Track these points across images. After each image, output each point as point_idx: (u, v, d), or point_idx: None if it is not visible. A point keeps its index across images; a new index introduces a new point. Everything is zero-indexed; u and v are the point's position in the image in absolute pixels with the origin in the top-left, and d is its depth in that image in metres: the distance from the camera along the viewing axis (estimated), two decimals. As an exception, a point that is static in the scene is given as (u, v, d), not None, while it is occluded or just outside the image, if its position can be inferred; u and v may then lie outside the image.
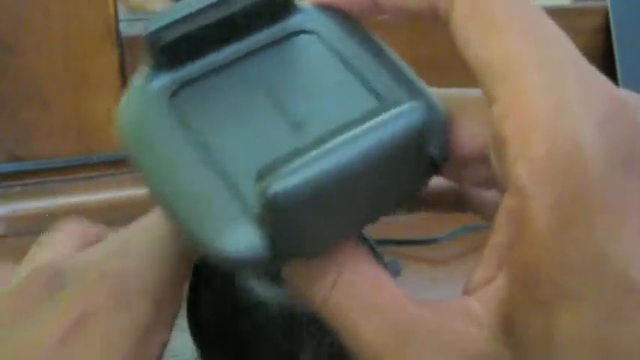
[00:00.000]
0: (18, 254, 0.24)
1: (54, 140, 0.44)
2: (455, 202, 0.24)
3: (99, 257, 0.22)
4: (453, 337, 0.17)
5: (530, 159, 0.16)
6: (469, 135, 0.19)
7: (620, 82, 0.51)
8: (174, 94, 0.21)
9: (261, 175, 0.17)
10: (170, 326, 0.22)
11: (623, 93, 0.17)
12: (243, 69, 0.21)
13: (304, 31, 0.21)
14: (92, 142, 0.45)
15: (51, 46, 0.42)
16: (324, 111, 0.20)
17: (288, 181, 0.16)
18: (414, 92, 0.19)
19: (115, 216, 0.43)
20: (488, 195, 0.23)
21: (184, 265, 0.23)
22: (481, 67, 0.17)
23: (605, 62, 0.53)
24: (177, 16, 0.20)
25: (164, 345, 0.21)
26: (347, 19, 0.21)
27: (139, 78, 0.21)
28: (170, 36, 0.20)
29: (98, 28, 0.42)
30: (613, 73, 0.52)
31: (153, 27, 0.20)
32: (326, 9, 0.21)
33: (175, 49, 0.21)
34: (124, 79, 0.44)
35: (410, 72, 0.20)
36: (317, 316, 0.21)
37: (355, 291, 0.18)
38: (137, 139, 0.20)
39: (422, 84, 0.20)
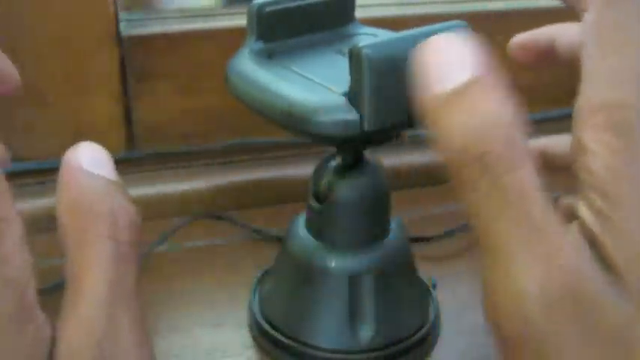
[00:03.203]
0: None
1: (53, 140, 0.44)
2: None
3: None
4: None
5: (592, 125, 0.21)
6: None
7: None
8: (270, 55, 0.30)
9: (353, 48, 0.24)
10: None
11: None
12: (319, 44, 0.31)
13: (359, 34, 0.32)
14: (92, 142, 0.44)
15: (51, 46, 0.42)
16: None
17: (373, 46, 0.24)
18: None
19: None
20: None
21: None
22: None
23: (606, 63, 0.53)
24: None
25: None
26: None
27: (245, 45, 0.30)
28: (271, 8, 0.29)
29: (98, 28, 0.42)
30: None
31: (259, 2, 0.29)
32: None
33: (273, 23, 0.30)
34: (124, 79, 0.44)
35: None
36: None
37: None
38: (245, 80, 0.28)
39: None
